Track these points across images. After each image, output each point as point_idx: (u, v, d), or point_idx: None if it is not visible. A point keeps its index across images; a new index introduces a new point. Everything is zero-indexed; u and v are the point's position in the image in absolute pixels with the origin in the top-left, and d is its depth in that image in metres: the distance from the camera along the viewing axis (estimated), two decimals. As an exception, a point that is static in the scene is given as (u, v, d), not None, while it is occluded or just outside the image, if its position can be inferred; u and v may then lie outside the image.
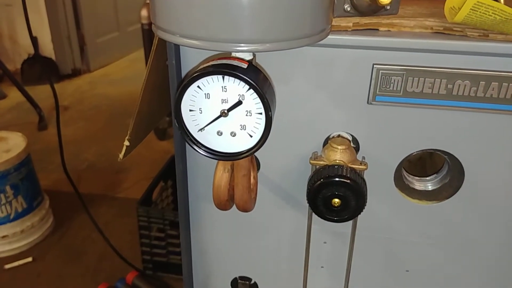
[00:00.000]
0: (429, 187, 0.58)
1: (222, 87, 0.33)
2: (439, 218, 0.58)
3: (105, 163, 2.24)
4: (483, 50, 0.47)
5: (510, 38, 0.47)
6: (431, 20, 0.50)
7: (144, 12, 2.02)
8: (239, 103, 0.34)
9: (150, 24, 2.17)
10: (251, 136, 0.35)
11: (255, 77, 0.33)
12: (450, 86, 0.49)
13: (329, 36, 0.48)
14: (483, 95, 0.49)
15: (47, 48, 3.06)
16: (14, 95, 2.77)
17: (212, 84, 0.33)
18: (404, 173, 0.59)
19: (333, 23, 0.49)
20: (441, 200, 0.57)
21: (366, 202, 0.49)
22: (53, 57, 3.09)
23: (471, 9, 0.45)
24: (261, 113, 0.33)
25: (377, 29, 0.50)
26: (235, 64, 0.33)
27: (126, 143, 0.57)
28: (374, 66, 0.49)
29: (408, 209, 0.58)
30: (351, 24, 0.50)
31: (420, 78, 0.49)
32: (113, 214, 1.87)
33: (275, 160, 0.58)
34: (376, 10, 0.53)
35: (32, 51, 3.00)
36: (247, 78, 0.32)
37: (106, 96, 2.98)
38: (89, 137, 2.48)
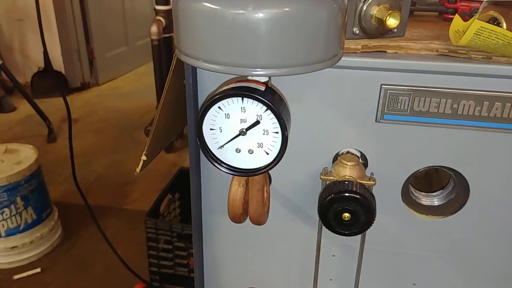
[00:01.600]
0: (435, 202, 0.60)
1: (241, 108, 0.36)
2: (446, 233, 0.59)
3: (113, 175, 2.26)
4: (487, 72, 0.50)
5: (512, 60, 0.49)
6: (436, 43, 0.53)
7: (154, 28, 2.06)
8: (257, 123, 0.36)
9: (159, 40, 2.21)
10: (267, 154, 0.37)
11: (272, 98, 0.35)
12: (455, 105, 0.51)
13: (339, 58, 0.51)
14: (487, 114, 0.51)
15: (57, 62, 3.11)
16: (24, 108, 2.81)
17: (232, 105, 0.36)
18: (411, 188, 0.61)
19: (344, 46, 0.52)
20: (447, 215, 0.59)
21: (375, 216, 0.51)
22: (63, 71, 3.14)
23: (474, 33, 0.48)
24: (277, 132, 0.36)
25: (385, 51, 0.52)
26: (253, 86, 0.36)
27: (144, 157, 0.59)
28: (382, 86, 0.52)
29: (415, 224, 0.60)
30: (360, 47, 0.52)
31: (427, 98, 0.51)
32: (120, 226, 1.89)
33: (287, 175, 0.60)
34: (384, 32, 0.55)
35: (42, 64, 3.05)
36: (265, 100, 0.34)
37: (114, 109, 3.02)
38: (97, 149, 2.51)
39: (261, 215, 0.49)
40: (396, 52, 0.52)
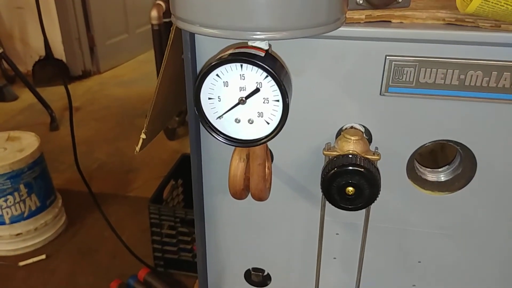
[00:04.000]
0: (442, 178, 0.58)
1: (240, 75, 0.34)
2: (452, 209, 0.58)
3: (116, 162, 2.26)
4: (495, 40, 0.48)
5: (522, 28, 0.47)
6: (443, 12, 0.51)
7: (154, 13, 2.03)
8: (256, 90, 0.35)
9: (159, 24, 2.19)
10: (268, 123, 0.36)
11: (272, 64, 0.34)
12: (462, 76, 0.50)
13: (342, 28, 0.49)
14: (495, 85, 0.49)
15: (58, 50, 3.09)
16: (26, 97, 2.80)
17: (231, 72, 0.34)
18: (417, 164, 0.60)
19: (346, 16, 0.50)
20: (454, 191, 0.57)
21: (380, 190, 0.49)
22: (64, 59, 3.12)
23: (483, 0, 0.46)
24: (278, 100, 0.34)
25: (390, 21, 0.51)
26: (253, 52, 0.34)
27: (143, 136, 0.58)
28: (387, 57, 0.50)
29: (420, 200, 0.59)
30: (363, 17, 0.50)
31: (433, 69, 0.50)
32: (124, 213, 1.89)
33: (289, 152, 0.59)
34: (388, 3, 0.53)
35: (43, 53, 3.03)
36: (265, 66, 0.33)
37: (116, 97, 3.01)
38: (100, 137, 2.50)
39: (263, 190, 0.48)
40: (401, 22, 0.51)
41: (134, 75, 3.40)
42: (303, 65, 0.52)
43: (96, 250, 1.70)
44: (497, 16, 0.47)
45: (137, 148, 0.60)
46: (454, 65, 0.49)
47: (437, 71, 0.50)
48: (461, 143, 0.54)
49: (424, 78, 0.50)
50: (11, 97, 2.86)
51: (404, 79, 0.51)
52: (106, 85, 3.21)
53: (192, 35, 0.49)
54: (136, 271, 1.49)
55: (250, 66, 0.34)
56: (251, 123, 0.36)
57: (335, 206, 0.50)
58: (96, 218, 1.73)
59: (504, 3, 0.45)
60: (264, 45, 0.38)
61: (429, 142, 0.55)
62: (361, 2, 0.53)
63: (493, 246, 0.59)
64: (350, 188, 0.47)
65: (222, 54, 0.35)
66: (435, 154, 0.71)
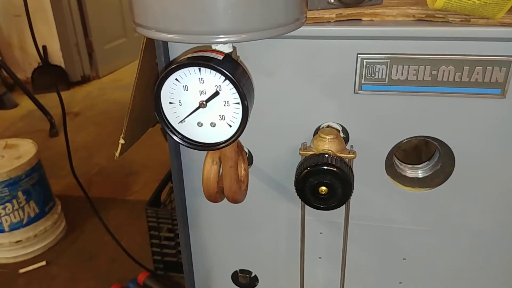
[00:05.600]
0: (422, 174, 0.58)
1: (199, 78, 0.34)
2: (433, 205, 0.58)
3: (116, 167, 2.27)
4: (466, 35, 0.48)
5: (492, 22, 0.47)
6: (413, 8, 0.51)
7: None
8: (216, 93, 0.35)
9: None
10: (230, 126, 0.36)
11: (230, 67, 0.33)
12: (434, 72, 0.49)
13: (312, 28, 0.49)
14: (468, 80, 0.49)
15: (57, 56, 3.11)
16: (26, 104, 2.82)
17: (190, 76, 0.34)
18: (396, 161, 0.59)
19: (317, 15, 0.50)
20: (434, 186, 0.57)
21: (353, 190, 0.49)
22: (63, 65, 3.14)
23: (450, -6, 0.45)
24: (238, 103, 0.34)
25: (360, 19, 0.51)
26: (210, 56, 0.34)
27: (121, 141, 0.59)
28: (358, 55, 0.50)
29: (401, 197, 0.58)
30: (334, 15, 0.50)
31: (405, 66, 0.50)
32: (124, 217, 1.90)
33: (268, 153, 0.59)
34: (360, 1, 0.53)
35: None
36: (221, 69, 0.33)
37: (115, 101, 3.02)
38: (99, 142, 2.51)
39: (237, 192, 0.48)
40: (371, 20, 0.51)
41: (133, 79, 3.41)
42: (276, 66, 0.52)
43: (96, 255, 1.71)
44: (465, 10, 0.47)
45: (117, 153, 0.60)
46: (426, 61, 0.49)
47: (409, 67, 0.50)
48: (438, 139, 0.54)
49: (396, 75, 0.50)
50: (11, 104, 2.87)
51: (376, 77, 0.51)
52: (105, 89, 3.23)
53: (164, 39, 0.49)
54: (136, 275, 1.49)
55: (208, 70, 0.34)
56: (213, 126, 0.36)
57: (309, 206, 0.50)
58: (96, 223, 1.74)
59: (471, -3, 0.45)
60: (227, 48, 0.38)
61: (406, 139, 0.55)
62: (332, 1, 0.53)
63: (476, 240, 0.59)
64: (323, 188, 0.47)
65: (182, 58, 0.35)
66: (420, 149, 0.71)
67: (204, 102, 0.35)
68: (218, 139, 0.37)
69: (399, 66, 0.50)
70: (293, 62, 0.52)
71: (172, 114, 0.36)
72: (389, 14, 0.50)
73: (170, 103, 0.36)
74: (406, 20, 0.50)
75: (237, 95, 0.34)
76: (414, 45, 0.49)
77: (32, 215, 1.69)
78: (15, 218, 1.65)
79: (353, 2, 0.53)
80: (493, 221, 0.57)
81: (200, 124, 0.37)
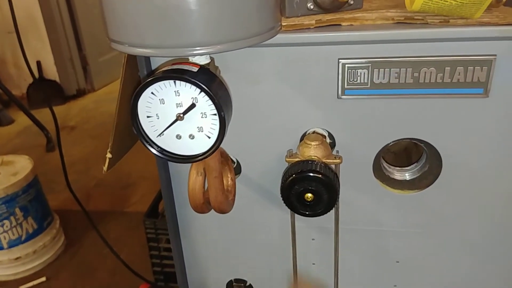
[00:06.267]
0: (409, 176, 0.58)
1: (175, 91, 0.34)
2: (423, 206, 0.58)
3: (113, 179, 2.27)
4: (445, 36, 0.48)
5: (471, 22, 0.47)
6: (392, 11, 0.51)
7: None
8: (192, 106, 0.34)
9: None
10: (209, 137, 0.36)
11: (205, 79, 0.33)
12: (416, 74, 0.49)
13: (293, 35, 0.49)
14: (449, 80, 0.49)
15: (51, 71, 3.12)
16: (22, 120, 2.82)
17: (165, 89, 0.34)
18: (384, 164, 0.59)
19: (297, 22, 0.50)
20: (423, 188, 0.57)
21: (339, 195, 0.49)
22: (58, 79, 3.14)
23: (426, -4, 0.46)
24: (215, 114, 0.34)
25: (340, 24, 0.51)
26: (185, 68, 0.34)
27: (109, 155, 0.59)
28: (340, 61, 0.50)
29: (391, 200, 0.58)
30: (313, 22, 0.50)
31: (386, 69, 0.50)
32: (123, 229, 1.90)
33: (256, 162, 0.58)
34: (340, 6, 0.54)
35: (36, 75, 3.06)
36: (195, 81, 0.33)
37: (111, 113, 2.99)
38: (96, 154, 2.51)
39: (222, 203, 0.48)
40: (351, 24, 0.51)
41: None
42: (259, 74, 0.52)
43: (96, 268, 1.70)
44: (443, 12, 0.47)
45: (105, 168, 0.60)
46: (407, 63, 0.49)
47: (390, 70, 0.50)
48: (424, 141, 0.54)
49: (378, 79, 0.50)
50: (7, 121, 2.88)
51: (358, 81, 0.51)
52: (101, 102, 3.23)
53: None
54: (136, 287, 1.49)
55: (183, 83, 0.33)
56: (192, 138, 0.36)
57: (296, 213, 0.50)
58: (95, 236, 1.73)
59: (448, -2, 0.45)
60: (204, 59, 0.38)
61: (392, 142, 0.54)
62: (312, 7, 0.53)
63: (467, 239, 0.59)
64: (309, 195, 0.47)
65: (157, 71, 0.35)
66: (409, 151, 0.71)
67: (181, 115, 0.35)
68: (198, 151, 0.37)
69: (380, 69, 0.50)
70: (276, 70, 0.52)
71: (150, 127, 0.36)
72: (368, 18, 0.51)
73: (148, 116, 0.36)
74: (386, 23, 0.50)
75: (213, 106, 0.34)
76: (394, 48, 0.49)
77: (30, 231, 1.68)
78: (13, 235, 1.64)
79: (333, 7, 0.53)
80: (483, 220, 0.57)
81: (179, 137, 0.37)
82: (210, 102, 0.34)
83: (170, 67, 0.35)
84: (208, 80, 0.34)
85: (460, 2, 0.45)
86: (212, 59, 0.39)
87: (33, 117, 2.52)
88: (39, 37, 3.00)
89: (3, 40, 3.09)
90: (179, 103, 0.35)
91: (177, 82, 0.34)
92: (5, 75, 3.06)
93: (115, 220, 1.95)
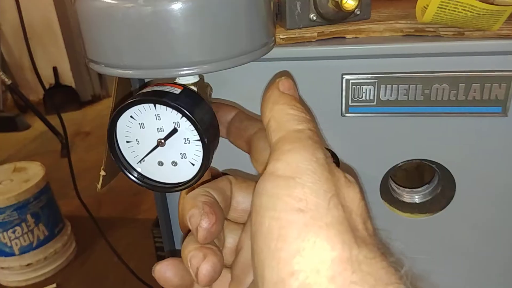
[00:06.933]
0: (419, 199, 0.54)
1: (155, 115, 0.31)
2: (434, 232, 0.53)
3: (125, 186, 2.24)
4: (460, 50, 0.44)
5: (488, 34, 0.43)
6: (402, 22, 0.47)
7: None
8: (174, 131, 0.31)
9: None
10: (193, 165, 0.33)
11: (187, 102, 0.30)
12: (427, 91, 0.46)
13: (293, 49, 0.46)
14: (464, 98, 0.45)
15: (67, 77, 3.15)
16: (38, 125, 2.85)
17: (145, 113, 0.31)
18: (393, 185, 0.55)
19: (297, 35, 0.47)
20: (435, 212, 0.53)
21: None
22: (73, 85, 3.17)
23: (438, 7, 0.42)
24: (199, 140, 0.31)
25: (344, 37, 0.47)
26: (166, 90, 0.31)
27: (102, 173, 0.56)
28: (343, 76, 0.47)
29: (399, 224, 0.54)
30: (316, 34, 0.47)
31: (394, 85, 0.46)
32: (133, 236, 1.89)
33: (255, 181, 0.55)
34: (345, 16, 0.50)
35: (53, 81, 3.09)
36: (175, 104, 0.30)
37: (126, 119, 3.02)
38: (110, 161, 2.51)
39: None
40: (356, 37, 0.47)
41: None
42: (257, 90, 0.49)
43: (106, 276, 1.69)
44: (457, 23, 0.43)
45: (99, 186, 0.57)
46: (417, 79, 0.45)
47: (398, 87, 0.46)
48: (436, 162, 0.50)
49: (385, 96, 0.46)
50: (24, 126, 2.91)
51: (364, 98, 0.47)
52: (116, 107, 3.24)
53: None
54: (146, 296, 1.47)
55: (163, 106, 0.31)
56: (175, 166, 0.33)
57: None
58: (106, 244, 1.73)
59: (462, 9, 0.41)
60: (192, 78, 0.35)
61: (401, 162, 0.50)
62: (314, 18, 0.49)
63: (482, 270, 0.54)
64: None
65: (138, 92, 0.32)
66: (422, 169, 0.67)
67: (163, 141, 0.32)
68: (182, 179, 0.34)
69: (387, 86, 0.46)
70: (275, 85, 0.49)
71: (131, 153, 0.33)
72: (375, 30, 0.47)
73: (127, 141, 0.33)
74: (394, 35, 0.46)
75: (195, 131, 0.31)
76: (403, 62, 0.45)
77: (41, 237, 1.68)
78: (24, 241, 1.64)
79: (338, 18, 0.50)
80: (501, 249, 0.52)
81: (160, 164, 0.34)
82: (193, 127, 0.31)
83: (150, 89, 0.32)
84: (190, 103, 0.31)
85: (476, 13, 0.41)
86: (201, 77, 0.36)
87: (48, 123, 2.54)
88: (55, 43, 3.03)
89: (20, 45, 3.13)
90: (160, 128, 0.32)
91: (158, 105, 0.31)
92: (22, 80, 3.10)
93: (126, 227, 1.94)
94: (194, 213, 0.30)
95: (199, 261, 0.30)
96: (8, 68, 3.18)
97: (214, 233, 0.30)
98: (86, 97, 3.21)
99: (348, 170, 0.52)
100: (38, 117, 2.54)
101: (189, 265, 0.30)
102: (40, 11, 2.91)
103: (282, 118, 0.28)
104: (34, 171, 1.73)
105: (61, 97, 3.03)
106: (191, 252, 0.30)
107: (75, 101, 3.12)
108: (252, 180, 0.35)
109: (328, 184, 0.25)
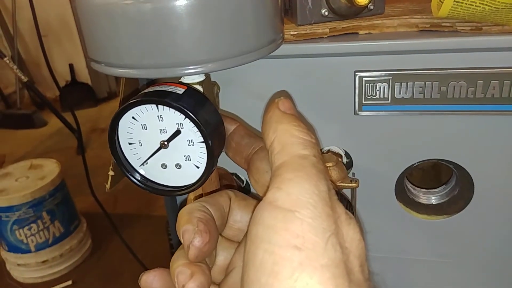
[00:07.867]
0: (435, 200, 0.52)
1: (158, 116, 0.30)
2: (453, 234, 0.52)
3: (140, 182, 2.27)
4: (477, 45, 0.42)
5: (507, 29, 0.41)
6: (417, 17, 0.45)
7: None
8: (177, 132, 0.30)
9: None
10: (197, 167, 0.32)
11: (190, 103, 0.29)
12: (443, 88, 0.44)
13: (304, 45, 0.45)
14: (482, 95, 0.43)
15: (83, 74, 3.17)
16: (55, 122, 2.87)
17: (147, 113, 0.30)
18: (409, 185, 0.53)
19: (309, 31, 0.45)
20: (452, 214, 0.51)
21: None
22: (89, 82, 3.19)
23: (455, 1, 0.40)
24: (203, 141, 0.30)
25: (357, 33, 0.46)
26: (169, 90, 0.30)
27: (111, 173, 0.55)
28: (356, 73, 0.45)
29: (415, 226, 0.52)
30: (327, 30, 0.45)
31: (409, 83, 0.44)
32: (149, 232, 1.89)
33: (266, 181, 0.54)
34: (358, 11, 0.48)
35: (69, 78, 3.12)
36: (178, 105, 0.29)
37: (141, 115, 3.04)
38: (125, 157, 2.52)
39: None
40: (369, 33, 0.45)
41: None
42: (266, 88, 0.48)
43: (121, 273, 1.70)
44: (475, 18, 0.41)
45: (107, 186, 0.57)
46: (433, 76, 0.43)
47: (413, 84, 0.44)
48: (453, 162, 0.48)
49: (400, 94, 0.45)
50: (41, 123, 2.94)
51: (378, 96, 0.45)
52: (131, 104, 3.26)
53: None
54: (159, 294, 1.47)
55: (166, 107, 0.30)
56: (179, 168, 0.32)
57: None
58: (121, 240, 1.74)
59: (480, 3, 0.39)
60: (197, 77, 0.34)
61: (417, 162, 0.49)
62: (326, 13, 0.48)
63: (501, 273, 0.52)
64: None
65: (140, 92, 0.31)
66: (439, 168, 0.65)
67: (166, 142, 0.31)
68: (186, 182, 0.33)
69: (402, 83, 0.44)
70: (285, 83, 0.47)
71: (133, 155, 0.32)
72: (389, 25, 0.45)
73: (130, 143, 0.32)
74: (409, 31, 0.44)
75: (199, 133, 0.30)
76: (418, 59, 0.43)
77: (57, 234, 1.70)
78: (40, 238, 1.66)
79: (350, 13, 0.48)
80: (522, 253, 0.50)
81: (164, 166, 0.33)
82: (196, 128, 0.30)
83: (152, 89, 0.31)
84: (194, 104, 0.30)
85: (494, 7, 0.39)
86: (207, 76, 0.35)
87: (64, 119, 2.56)
88: (71, 40, 3.05)
89: (36, 43, 3.16)
90: (163, 129, 0.31)
91: (160, 106, 0.30)
92: (39, 77, 3.13)
93: (142, 223, 1.95)
94: (188, 229, 0.29)
95: (185, 279, 0.28)
96: (24, 65, 3.22)
97: (206, 253, 0.29)
98: (102, 93, 3.23)
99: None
100: (54, 114, 2.56)
101: (175, 280, 0.29)
102: (56, 9, 2.93)
103: (287, 140, 0.27)
104: (50, 168, 1.75)
105: (77, 94, 3.06)
106: (179, 268, 0.29)
107: (91, 98, 3.14)
108: (252, 199, 0.33)
109: (328, 221, 0.23)
